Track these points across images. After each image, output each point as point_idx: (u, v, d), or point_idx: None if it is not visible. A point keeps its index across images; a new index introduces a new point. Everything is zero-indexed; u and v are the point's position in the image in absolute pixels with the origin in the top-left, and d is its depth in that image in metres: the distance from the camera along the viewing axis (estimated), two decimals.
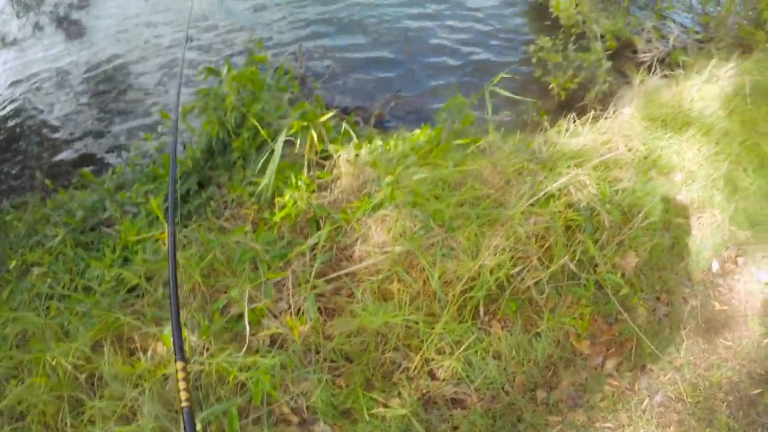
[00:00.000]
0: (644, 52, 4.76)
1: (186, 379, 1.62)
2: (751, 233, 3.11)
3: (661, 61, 4.59)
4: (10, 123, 5.10)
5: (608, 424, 2.28)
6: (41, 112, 5.27)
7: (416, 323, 2.28)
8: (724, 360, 2.60)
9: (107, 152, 4.52)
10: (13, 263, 2.93)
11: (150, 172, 3.16)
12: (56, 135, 4.89)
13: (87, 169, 3.62)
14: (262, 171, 2.62)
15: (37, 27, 5.12)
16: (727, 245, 3.06)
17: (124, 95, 5.37)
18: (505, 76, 3.15)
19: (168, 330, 2.19)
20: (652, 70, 3.93)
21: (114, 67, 5.82)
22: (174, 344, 1.66)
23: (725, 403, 2.41)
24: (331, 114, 2.77)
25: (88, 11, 5.19)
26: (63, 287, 2.71)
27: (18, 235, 3.18)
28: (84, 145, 4.70)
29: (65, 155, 4.60)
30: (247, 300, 2.30)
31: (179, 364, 1.68)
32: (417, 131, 3.00)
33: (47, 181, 3.74)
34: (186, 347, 2.22)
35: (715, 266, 2.99)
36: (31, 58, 6.17)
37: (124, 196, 3.05)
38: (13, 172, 4.44)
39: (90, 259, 2.80)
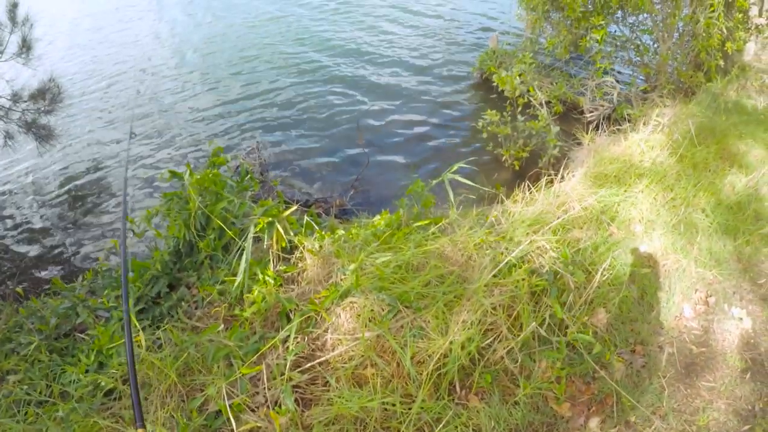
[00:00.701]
0: (591, 112, 4.93)
1: None
2: (717, 272, 3.18)
3: (608, 118, 4.76)
4: None
5: None
6: (11, 220, 5.43)
7: (393, 405, 2.27)
8: (709, 402, 2.60)
9: (77, 259, 4.61)
10: None
11: (119, 276, 3.19)
12: (27, 244, 5.05)
13: (58, 276, 3.66)
14: (231, 270, 2.66)
15: (8, 136, 5.27)
16: (695, 287, 3.12)
17: (92, 202, 5.56)
18: (462, 164, 3.26)
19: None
20: (600, 128, 4.07)
21: (82, 175, 6.08)
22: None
23: None
24: (293, 208, 2.84)
25: (55, 115, 5.38)
26: (40, 393, 2.71)
27: None
28: (55, 253, 4.83)
29: (36, 263, 4.72)
30: (225, 396, 2.30)
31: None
32: (378, 217, 3.08)
33: (19, 289, 3.75)
34: None
35: (687, 310, 3.03)
36: (2, 167, 6.38)
37: (96, 302, 3.08)
38: None
39: (65, 364, 2.83)
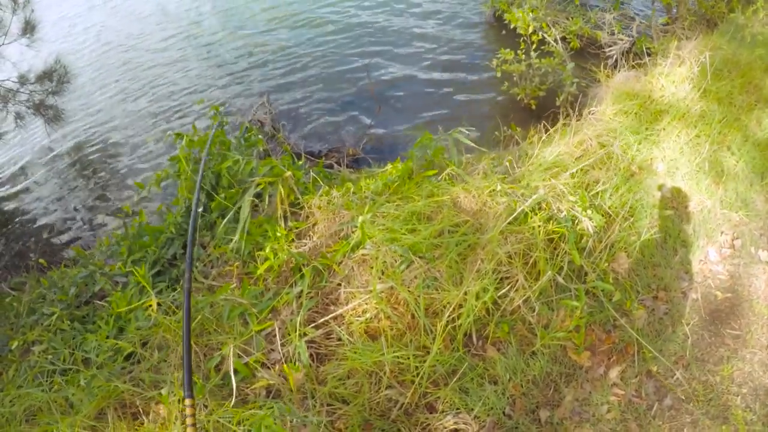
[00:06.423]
0: (609, 46, 4.68)
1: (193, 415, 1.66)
2: (744, 213, 3.04)
3: (628, 52, 4.52)
4: (4, 207, 5.40)
5: None
6: (31, 195, 5.55)
7: (407, 359, 2.24)
8: (734, 351, 2.51)
9: (95, 226, 4.71)
10: (15, 343, 2.98)
11: (134, 242, 3.19)
12: (47, 215, 5.15)
13: (78, 244, 3.69)
14: (234, 230, 2.65)
15: (18, 117, 5.41)
16: (721, 229, 2.99)
17: (106, 170, 5.64)
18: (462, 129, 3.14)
19: (165, 391, 2.23)
20: (619, 64, 3.86)
21: (94, 146, 6.12)
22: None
23: (739, 396, 2.32)
24: (299, 163, 2.77)
25: (62, 95, 5.43)
26: (63, 361, 2.75)
27: (18, 315, 3.24)
28: (73, 222, 4.92)
29: (57, 233, 4.82)
30: (237, 355, 2.30)
31: (187, 401, 1.72)
32: (389, 166, 3.00)
33: (42, 260, 3.80)
34: None
35: (712, 253, 2.91)
36: (17, 146, 6.49)
37: (114, 268, 3.09)
38: (13, 252, 4.66)
39: (86, 332, 2.86)
